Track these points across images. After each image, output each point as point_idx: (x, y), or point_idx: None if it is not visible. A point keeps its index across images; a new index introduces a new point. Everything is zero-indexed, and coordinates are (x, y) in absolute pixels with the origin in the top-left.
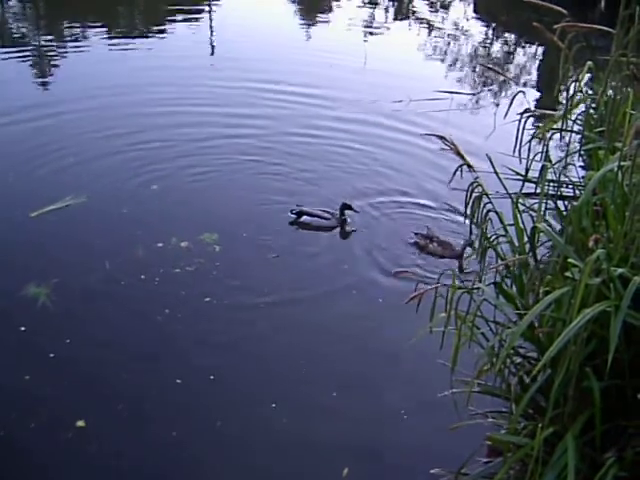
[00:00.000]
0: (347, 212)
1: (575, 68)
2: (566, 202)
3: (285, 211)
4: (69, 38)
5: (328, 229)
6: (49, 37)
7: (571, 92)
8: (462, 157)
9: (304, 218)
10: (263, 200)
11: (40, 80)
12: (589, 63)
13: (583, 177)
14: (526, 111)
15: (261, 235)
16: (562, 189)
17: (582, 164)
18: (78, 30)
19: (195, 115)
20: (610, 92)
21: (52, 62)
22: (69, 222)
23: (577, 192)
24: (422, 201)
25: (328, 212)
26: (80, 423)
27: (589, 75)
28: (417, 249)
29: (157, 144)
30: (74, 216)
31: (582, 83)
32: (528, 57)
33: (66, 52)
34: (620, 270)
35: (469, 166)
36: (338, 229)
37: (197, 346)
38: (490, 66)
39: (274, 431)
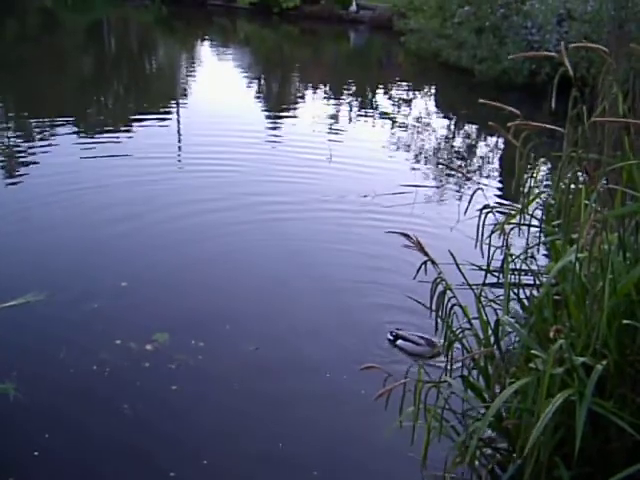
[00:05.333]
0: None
1: (534, 159)
2: (528, 290)
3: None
4: (37, 136)
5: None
6: (17, 134)
7: (528, 187)
8: (426, 254)
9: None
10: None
11: (6, 177)
12: (542, 159)
13: (544, 266)
14: (485, 207)
15: (243, 327)
16: (524, 277)
17: (544, 252)
18: (47, 128)
19: (162, 216)
20: (565, 186)
21: (19, 160)
22: (27, 319)
23: (538, 280)
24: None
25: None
26: None
27: (547, 167)
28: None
29: (126, 241)
30: (32, 313)
31: (538, 178)
32: (489, 149)
33: (33, 150)
34: (582, 359)
35: (433, 262)
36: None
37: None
38: (451, 165)
39: None
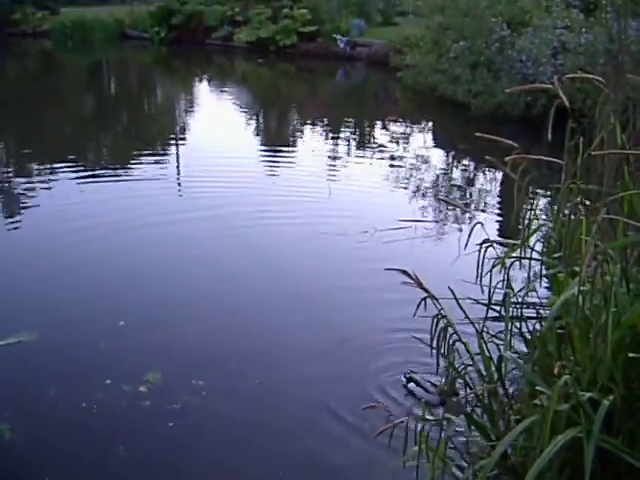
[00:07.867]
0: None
1: (533, 192)
2: (530, 323)
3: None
4: (36, 174)
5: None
6: (15, 173)
7: (528, 220)
8: (426, 290)
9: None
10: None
11: (3, 215)
12: (541, 191)
13: (547, 298)
14: (485, 241)
15: (245, 364)
16: (526, 310)
17: (545, 284)
18: (46, 166)
19: (162, 260)
20: (565, 216)
21: (17, 197)
22: (14, 358)
23: (541, 312)
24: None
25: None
26: None
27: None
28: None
29: (120, 281)
30: (21, 352)
31: (537, 211)
32: (488, 182)
33: (31, 187)
34: (589, 394)
35: (433, 298)
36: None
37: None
38: (449, 199)
39: None
